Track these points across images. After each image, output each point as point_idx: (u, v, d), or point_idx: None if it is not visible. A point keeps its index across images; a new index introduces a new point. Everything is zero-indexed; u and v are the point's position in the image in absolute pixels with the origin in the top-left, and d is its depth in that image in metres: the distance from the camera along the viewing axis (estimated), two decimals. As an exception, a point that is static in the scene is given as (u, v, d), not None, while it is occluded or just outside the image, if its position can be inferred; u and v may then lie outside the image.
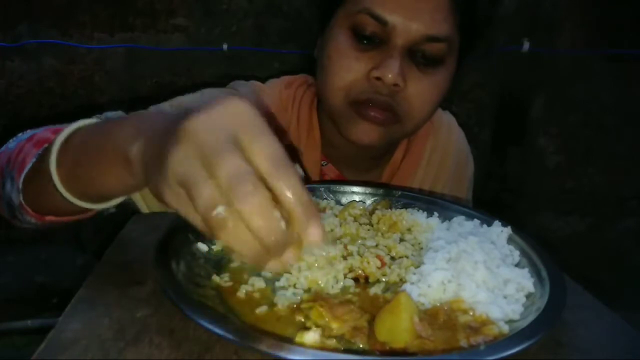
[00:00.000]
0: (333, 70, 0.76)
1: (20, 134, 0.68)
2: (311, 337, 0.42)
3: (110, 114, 0.73)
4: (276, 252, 0.36)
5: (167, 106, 0.81)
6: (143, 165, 0.44)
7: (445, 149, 0.97)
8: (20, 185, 0.58)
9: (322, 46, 0.79)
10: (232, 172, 0.34)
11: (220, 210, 0.34)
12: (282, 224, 0.35)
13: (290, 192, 0.35)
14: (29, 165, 0.58)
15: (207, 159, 0.35)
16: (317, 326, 0.44)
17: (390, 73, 0.70)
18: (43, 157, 0.56)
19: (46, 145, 0.58)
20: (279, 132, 0.77)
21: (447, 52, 0.75)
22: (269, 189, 0.35)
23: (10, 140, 0.68)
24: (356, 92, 0.74)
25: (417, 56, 0.73)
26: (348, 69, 0.74)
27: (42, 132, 0.64)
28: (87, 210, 0.58)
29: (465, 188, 1.02)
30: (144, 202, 0.74)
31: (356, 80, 0.74)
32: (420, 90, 0.74)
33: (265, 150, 0.35)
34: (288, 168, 0.36)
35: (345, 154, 0.87)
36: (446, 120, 1.01)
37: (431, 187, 0.95)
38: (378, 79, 0.71)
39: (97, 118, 0.71)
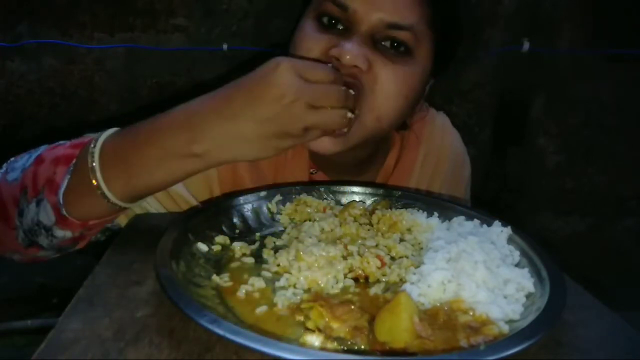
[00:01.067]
0: (295, 54, 0.74)
1: (11, 160, 0.70)
2: (311, 341, 0.42)
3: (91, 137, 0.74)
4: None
5: None
6: (223, 148, 0.56)
7: (439, 152, 0.96)
8: (61, 200, 0.61)
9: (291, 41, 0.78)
10: (340, 94, 0.58)
11: (349, 115, 0.61)
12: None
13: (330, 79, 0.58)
14: (64, 182, 0.61)
15: (316, 100, 0.56)
16: (318, 326, 0.44)
17: (349, 53, 0.67)
18: (76, 171, 0.60)
19: (74, 160, 0.61)
20: None
21: (415, 43, 0.72)
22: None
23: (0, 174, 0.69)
24: None
25: (383, 45, 0.71)
26: (307, 50, 0.72)
27: (50, 150, 0.66)
28: (120, 211, 0.64)
29: (462, 189, 1.02)
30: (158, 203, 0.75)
31: (315, 59, 0.71)
32: (385, 77, 0.70)
33: (322, 71, 0.58)
34: (331, 69, 0.60)
35: (332, 160, 0.85)
36: (440, 122, 0.99)
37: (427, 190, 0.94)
38: (337, 59, 0.68)
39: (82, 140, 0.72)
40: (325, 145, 0.71)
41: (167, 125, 0.57)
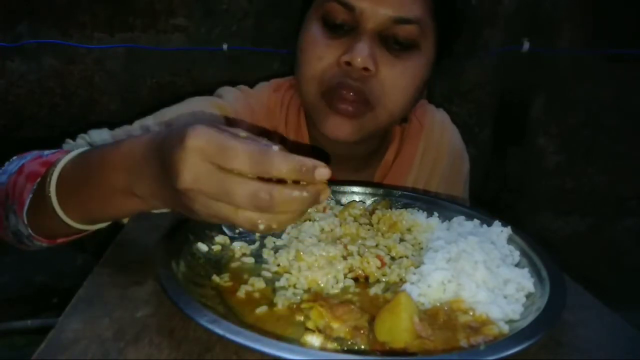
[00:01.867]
0: (305, 61, 0.76)
1: (7, 163, 0.70)
2: (311, 341, 0.42)
3: (94, 133, 0.73)
4: (314, 204, 0.44)
5: (150, 121, 0.81)
6: (156, 199, 0.50)
7: (438, 148, 0.97)
8: (25, 220, 0.61)
9: (297, 42, 0.79)
10: (244, 197, 0.40)
11: (261, 227, 0.42)
12: (304, 193, 0.42)
13: (283, 171, 0.41)
14: (27, 202, 0.60)
15: (218, 197, 0.42)
16: (318, 326, 0.44)
17: (359, 56, 0.69)
18: (39, 192, 0.59)
19: (39, 179, 0.60)
20: (263, 134, 0.76)
21: (420, 35, 0.74)
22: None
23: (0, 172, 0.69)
24: (327, 79, 0.74)
25: (389, 41, 0.73)
26: (319, 58, 0.74)
27: (30, 162, 0.65)
28: (88, 231, 0.61)
29: (461, 186, 1.02)
30: None
31: (327, 67, 0.74)
32: (394, 75, 0.73)
33: (240, 159, 0.40)
34: (266, 156, 0.41)
35: (333, 154, 0.87)
36: (439, 118, 1.00)
37: (424, 187, 0.95)
38: (348, 64, 0.71)
39: (81, 138, 0.72)
40: (340, 133, 0.75)
41: (114, 163, 0.52)
